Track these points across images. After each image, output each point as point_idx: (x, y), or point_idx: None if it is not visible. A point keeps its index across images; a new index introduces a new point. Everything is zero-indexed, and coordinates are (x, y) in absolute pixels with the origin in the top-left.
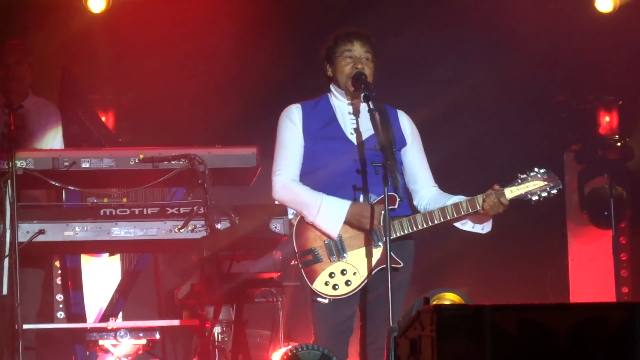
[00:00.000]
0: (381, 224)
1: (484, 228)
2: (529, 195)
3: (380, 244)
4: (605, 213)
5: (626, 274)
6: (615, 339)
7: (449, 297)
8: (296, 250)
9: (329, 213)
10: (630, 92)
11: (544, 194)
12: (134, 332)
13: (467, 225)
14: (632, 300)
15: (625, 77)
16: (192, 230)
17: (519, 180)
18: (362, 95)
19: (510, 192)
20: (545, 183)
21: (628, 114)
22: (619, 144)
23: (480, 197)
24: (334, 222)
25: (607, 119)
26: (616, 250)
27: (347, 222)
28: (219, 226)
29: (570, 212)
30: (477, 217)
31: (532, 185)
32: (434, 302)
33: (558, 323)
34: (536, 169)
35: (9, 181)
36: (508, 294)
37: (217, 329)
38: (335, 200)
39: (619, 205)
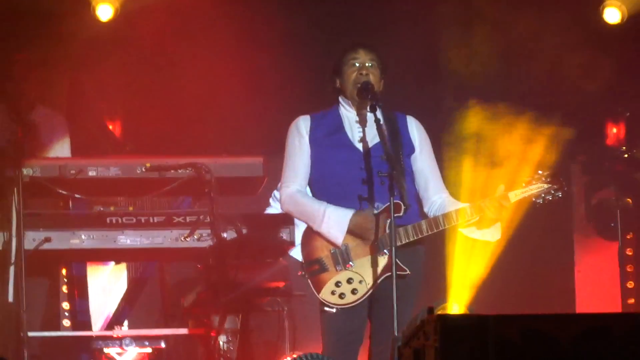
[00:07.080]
0: (387, 231)
1: (494, 236)
2: (533, 199)
3: (386, 251)
4: (612, 225)
5: (632, 285)
6: (620, 349)
7: (453, 307)
8: (303, 261)
9: (332, 221)
10: (638, 104)
11: (549, 197)
12: (139, 340)
13: (476, 233)
14: (638, 312)
15: (633, 88)
16: (198, 239)
17: (523, 184)
18: (368, 105)
19: (515, 196)
20: (549, 186)
21: (635, 125)
22: (626, 155)
23: (484, 202)
24: (337, 230)
25: (615, 130)
26: (622, 262)
27: (350, 232)
28: (225, 235)
29: (576, 224)
30: (484, 223)
31: (536, 188)
32: (438, 312)
33: (562, 332)
34: (540, 172)
35: (15, 189)
36: (514, 305)
37: (222, 338)
38: (339, 209)
39: (626, 216)
